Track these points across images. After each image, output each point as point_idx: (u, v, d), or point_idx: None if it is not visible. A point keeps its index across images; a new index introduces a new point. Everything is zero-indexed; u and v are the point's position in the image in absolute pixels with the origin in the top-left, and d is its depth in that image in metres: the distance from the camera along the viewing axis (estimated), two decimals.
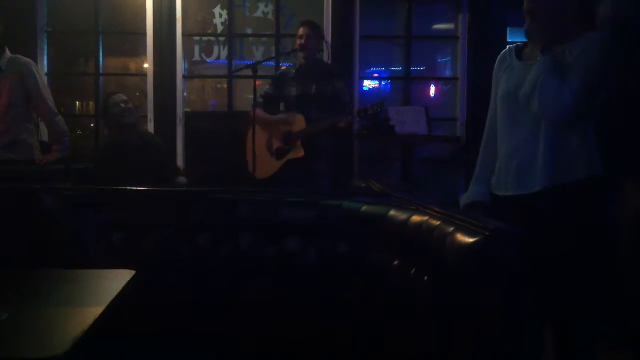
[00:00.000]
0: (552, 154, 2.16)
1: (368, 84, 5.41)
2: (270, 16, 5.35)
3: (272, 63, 5.11)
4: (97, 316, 1.39)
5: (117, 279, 1.67)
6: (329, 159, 4.33)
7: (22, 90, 3.98)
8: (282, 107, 4.42)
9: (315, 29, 4.27)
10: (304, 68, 4.26)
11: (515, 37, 4.89)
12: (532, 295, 2.24)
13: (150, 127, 5.05)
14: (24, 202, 2.32)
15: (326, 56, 4.78)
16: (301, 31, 4.23)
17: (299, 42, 4.22)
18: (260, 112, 4.10)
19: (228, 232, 2.23)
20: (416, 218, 1.77)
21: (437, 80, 5.45)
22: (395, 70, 5.43)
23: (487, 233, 1.40)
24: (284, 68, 4.64)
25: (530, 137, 2.22)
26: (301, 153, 4.13)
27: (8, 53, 4.02)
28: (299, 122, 4.14)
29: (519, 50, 2.38)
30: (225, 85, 5.38)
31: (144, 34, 5.11)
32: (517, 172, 2.26)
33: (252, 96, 4.09)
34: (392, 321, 1.77)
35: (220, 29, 5.33)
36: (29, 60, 4.10)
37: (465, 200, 2.49)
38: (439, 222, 1.62)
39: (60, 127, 4.11)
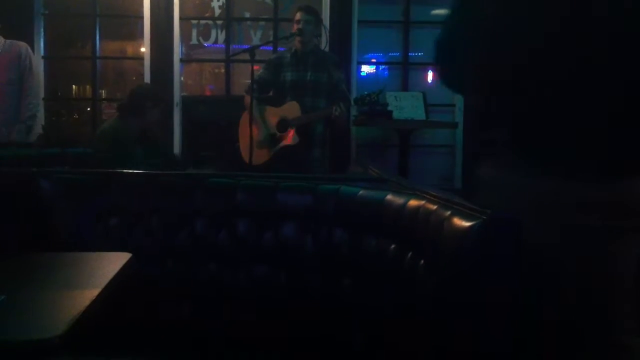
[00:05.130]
0: None
1: (366, 70, 5.40)
2: (268, 0, 5.32)
3: (270, 47, 5.09)
4: (93, 298, 1.39)
5: (114, 262, 1.67)
6: (323, 146, 4.33)
7: (18, 71, 4.12)
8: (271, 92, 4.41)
9: (312, 13, 4.24)
10: (299, 53, 4.24)
11: None
12: (528, 280, 2.24)
13: None
14: (21, 185, 2.32)
15: (324, 41, 4.76)
16: (298, 16, 4.21)
17: (295, 27, 4.20)
18: (253, 102, 4.08)
19: (225, 217, 2.23)
20: (413, 202, 1.77)
21: (435, 65, 5.42)
22: (393, 55, 5.41)
23: (484, 217, 1.40)
24: (278, 53, 4.62)
25: None
26: (295, 140, 4.12)
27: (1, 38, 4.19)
28: (293, 109, 4.13)
29: None
30: (223, 70, 5.36)
31: (141, 17, 5.09)
32: None
33: (250, 81, 4.08)
34: (390, 306, 1.78)
35: (217, 12, 5.30)
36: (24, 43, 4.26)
37: None
38: (435, 207, 1.62)
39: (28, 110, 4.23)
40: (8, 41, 4.20)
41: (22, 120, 4.20)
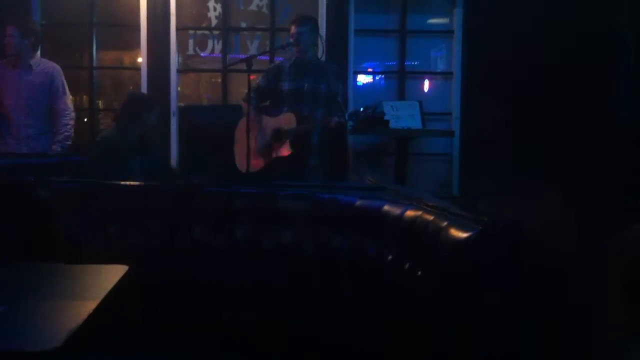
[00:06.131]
0: None
1: (362, 79, 5.41)
2: (264, 9, 5.33)
3: (267, 57, 5.10)
4: (91, 310, 1.40)
5: (111, 274, 1.68)
6: (319, 155, 4.34)
7: (47, 92, 4.30)
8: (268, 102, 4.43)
9: (307, 23, 4.24)
10: (298, 63, 4.26)
11: None
12: (526, 288, 2.24)
13: None
14: (19, 194, 2.32)
15: (320, 50, 4.77)
16: (292, 29, 4.22)
17: (292, 39, 4.22)
18: (251, 110, 4.08)
19: (224, 225, 2.23)
20: (410, 212, 1.77)
21: (431, 74, 5.45)
22: (389, 64, 5.42)
23: (481, 227, 1.41)
24: (278, 62, 4.64)
25: None
26: (289, 151, 4.13)
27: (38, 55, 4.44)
28: (289, 120, 4.14)
29: None
30: (220, 79, 5.36)
31: (138, 27, 5.09)
32: None
33: (247, 90, 4.09)
34: (387, 315, 1.78)
35: (214, 22, 5.31)
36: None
37: None
38: (432, 217, 1.63)
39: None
40: (42, 60, 4.40)
41: (58, 140, 4.33)
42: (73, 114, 4.45)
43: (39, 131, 4.28)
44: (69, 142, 4.41)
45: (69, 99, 4.46)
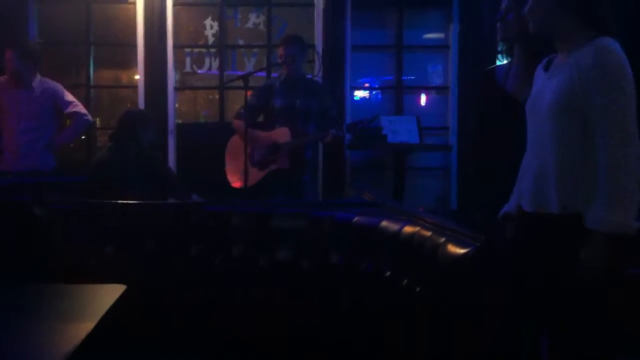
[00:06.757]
0: (562, 175, 1.91)
1: (359, 94, 5.43)
2: (261, 27, 5.35)
3: (264, 74, 5.12)
4: (89, 331, 1.39)
5: (109, 294, 1.67)
6: (313, 171, 4.35)
7: (53, 111, 4.35)
8: (260, 118, 4.44)
9: (293, 44, 4.26)
10: (288, 81, 4.28)
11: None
12: (522, 304, 2.23)
13: None
14: (16, 214, 2.32)
15: (317, 67, 4.79)
16: (280, 50, 4.26)
17: (280, 59, 4.25)
18: (243, 125, 4.10)
19: (221, 243, 2.23)
20: (408, 229, 1.77)
21: (428, 89, 5.47)
22: (386, 79, 5.44)
23: (478, 244, 1.41)
24: (268, 80, 4.65)
25: (540, 151, 2.04)
26: (285, 164, 4.15)
27: (38, 75, 4.39)
28: (284, 134, 4.16)
29: (549, 61, 2.13)
30: (217, 96, 5.38)
31: (135, 46, 5.12)
32: (531, 187, 2.03)
33: (240, 106, 4.11)
34: (387, 332, 1.77)
35: (211, 40, 5.34)
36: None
37: (502, 210, 2.31)
38: (430, 233, 1.63)
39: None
40: (43, 80, 4.38)
41: (69, 127, 4.48)
42: (89, 117, 4.51)
43: (39, 150, 4.27)
44: (76, 136, 4.58)
45: (80, 105, 4.47)
